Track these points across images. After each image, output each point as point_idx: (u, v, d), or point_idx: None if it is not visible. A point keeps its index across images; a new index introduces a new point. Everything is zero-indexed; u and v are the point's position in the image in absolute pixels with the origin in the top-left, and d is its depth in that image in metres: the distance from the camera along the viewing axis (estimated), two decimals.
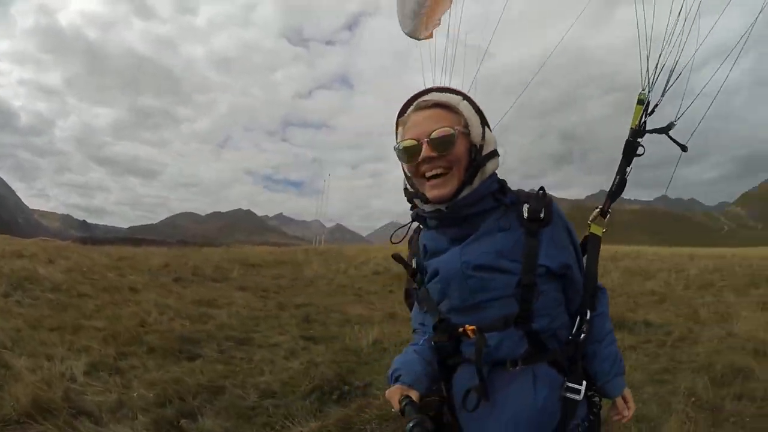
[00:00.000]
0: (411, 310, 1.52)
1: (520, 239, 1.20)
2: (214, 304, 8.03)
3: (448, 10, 2.96)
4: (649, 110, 1.63)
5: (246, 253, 21.12)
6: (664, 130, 1.62)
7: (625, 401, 1.34)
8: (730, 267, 11.91)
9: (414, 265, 1.38)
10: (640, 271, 11.52)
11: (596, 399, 1.29)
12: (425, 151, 1.20)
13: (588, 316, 1.28)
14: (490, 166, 1.24)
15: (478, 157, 1.22)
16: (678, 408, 3.49)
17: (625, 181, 1.59)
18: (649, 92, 1.65)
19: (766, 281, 9.57)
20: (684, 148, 1.66)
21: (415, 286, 1.40)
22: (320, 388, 4.09)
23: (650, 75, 1.68)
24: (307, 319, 7.24)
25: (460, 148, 1.21)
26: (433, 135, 1.19)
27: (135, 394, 3.89)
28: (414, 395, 1.16)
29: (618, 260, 14.04)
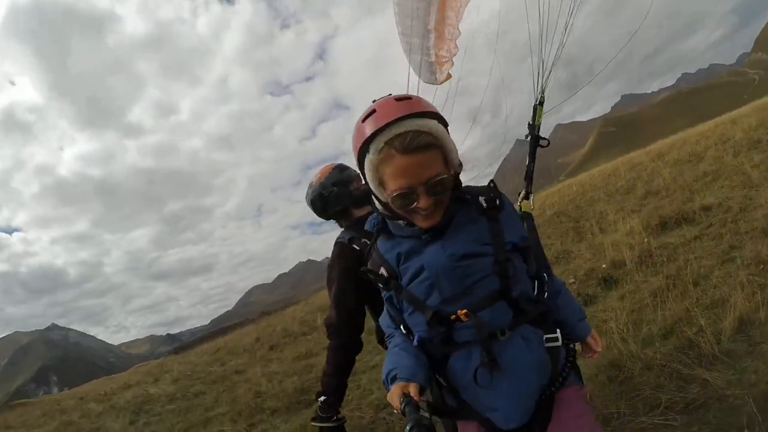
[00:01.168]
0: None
1: (485, 226, 1.37)
2: (312, 354, 8.58)
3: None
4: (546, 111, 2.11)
5: (324, 297, 21.72)
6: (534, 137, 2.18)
7: (594, 339, 1.61)
8: None
9: (386, 273, 1.41)
10: (689, 158, 11.02)
11: (570, 345, 1.47)
12: (423, 199, 1.26)
13: (546, 279, 1.50)
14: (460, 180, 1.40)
15: (457, 181, 1.37)
16: (743, 280, 3.55)
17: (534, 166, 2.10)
18: (542, 94, 2.10)
19: None
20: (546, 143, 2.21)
21: (390, 293, 1.45)
22: None
23: (542, 80, 2.11)
24: None
25: (448, 184, 1.31)
26: (430, 183, 1.25)
27: None
28: (413, 389, 1.21)
29: (664, 155, 13.46)
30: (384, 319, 1.58)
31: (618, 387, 2.94)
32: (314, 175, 2.32)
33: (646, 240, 5.72)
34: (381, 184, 1.30)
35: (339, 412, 2.11)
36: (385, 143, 1.23)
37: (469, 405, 1.38)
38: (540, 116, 2.13)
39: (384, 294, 1.48)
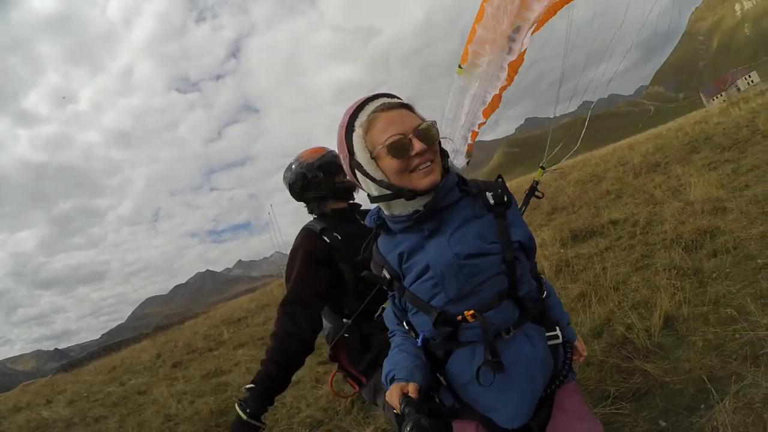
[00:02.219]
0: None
1: (492, 223, 1.33)
2: (223, 371, 7.89)
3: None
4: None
5: (227, 310, 20.62)
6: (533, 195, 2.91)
7: (580, 344, 1.61)
8: (668, 143, 12.69)
9: (387, 275, 1.39)
10: (590, 178, 12.07)
11: (567, 342, 1.48)
12: (416, 144, 1.24)
13: (544, 278, 1.53)
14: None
15: (442, 149, 1.36)
16: (663, 283, 3.89)
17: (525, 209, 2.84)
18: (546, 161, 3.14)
19: (704, 143, 10.23)
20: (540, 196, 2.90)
21: (393, 293, 1.42)
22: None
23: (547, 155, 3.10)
24: None
25: (436, 140, 1.30)
26: (418, 130, 1.25)
27: None
28: (412, 389, 1.20)
29: (567, 175, 14.60)
30: (387, 315, 1.55)
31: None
32: (300, 153, 2.15)
33: (561, 250, 6.00)
34: (373, 156, 1.28)
35: (260, 418, 1.73)
36: (368, 114, 1.29)
37: (469, 404, 1.37)
38: (540, 175, 3.07)
39: (389, 294, 1.47)
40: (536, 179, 3.00)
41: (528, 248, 1.41)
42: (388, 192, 1.29)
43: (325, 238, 1.91)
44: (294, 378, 1.85)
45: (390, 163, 1.26)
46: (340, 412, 4.19)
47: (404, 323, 1.45)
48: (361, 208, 2.17)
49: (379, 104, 1.30)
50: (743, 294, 3.25)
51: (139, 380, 10.02)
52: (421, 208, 1.30)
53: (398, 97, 1.35)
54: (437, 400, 1.44)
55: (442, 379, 1.40)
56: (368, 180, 1.30)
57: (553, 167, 3.10)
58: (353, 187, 2.11)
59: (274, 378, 1.75)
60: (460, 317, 1.28)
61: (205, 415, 5.64)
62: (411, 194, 1.27)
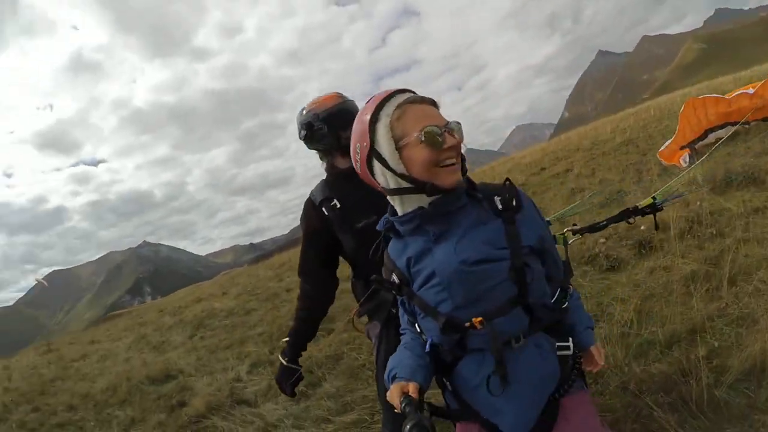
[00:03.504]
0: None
1: (501, 228, 1.28)
2: None
3: None
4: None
5: None
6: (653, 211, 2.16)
7: (598, 351, 1.48)
8: None
9: (397, 279, 1.38)
10: None
11: (578, 353, 1.40)
12: (449, 138, 1.25)
13: (571, 291, 1.43)
14: None
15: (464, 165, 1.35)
16: None
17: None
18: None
19: None
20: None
21: (403, 297, 1.42)
22: None
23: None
24: None
25: (462, 133, 1.30)
26: (449, 125, 1.27)
27: None
28: (413, 388, 1.21)
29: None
30: (401, 317, 1.55)
31: None
32: (314, 98, 2.05)
33: (699, 203, 4.93)
34: (398, 146, 1.26)
35: (297, 362, 2.15)
36: (398, 105, 1.28)
37: (473, 408, 1.36)
38: (646, 203, 2.20)
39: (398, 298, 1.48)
40: (645, 205, 2.22)
41: (541, 251, 1.34)
42: (408, 185, 1.27)
43: (324, 210, 1.92)
44: None
45: (420, 153, 1.24)
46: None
47: (416, 325, 1.44)
48: None
49: (408, 97, 1.30)
50: None
51: (293, 278, 11.66)
52: (426, 206, 1.28)
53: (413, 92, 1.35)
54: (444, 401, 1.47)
55: (447, 383, 1.40)
56: (388, 171, 1.28)
57: (671, 199, 2.45)
58: None
59: (300, 331, 2.13)
60: (468, 324, 1.25)
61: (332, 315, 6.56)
62: (432, 190, 1.26)
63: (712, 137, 7.00)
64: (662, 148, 7.82)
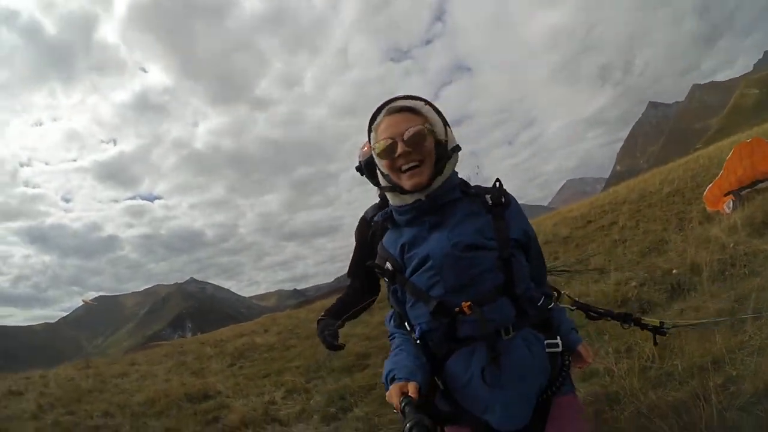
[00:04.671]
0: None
1: (490, 221, 1.41)
2: None
3: None
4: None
5: None
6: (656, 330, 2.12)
7: (585, 349, 1.55)
8: None
9: (391, 267, 1.46)
10: None
11: (567, 353, 1.47)
12: (401, 147, 1.39)
13: (556, 294, 1.57)
14: (454, 159, 1.47)
15: (445, 151, 1.44)
16: None
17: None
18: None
19: None
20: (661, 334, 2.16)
21: (396, 286, 1.48)
22: None
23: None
24: None
25: (429, 143, 1.41)
26: (406, 133, 1.39)
27: (311, 401, 5.28)
28: (412, 388, 1.20)
29: None
30: (388, 317, 1.62)
31: (598, 425, 2.61)
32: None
33: (731, 245, 4.89)
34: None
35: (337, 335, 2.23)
36: (379, 118, 1.47)
37: (465, 409, 1.39)
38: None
39: (389, 288, 1.54)
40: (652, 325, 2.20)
41: (526, 246, 1.45)
42: (389, 184, 1.47)
43: (372, 222, 2.24)
44: None
45: (380, 162, 1.46)
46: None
47: (405, 324, 1.49)
48: None
49: (389, 107, 1.47)
50: None
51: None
52: (423, 198, 1.41)
53: (419, 98, 1.47)
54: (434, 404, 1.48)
55: (439, 383, 1.42)
56: (379, 172, 1.52)
57: (680, 326, 2.38)
58: None
59: (340, 298, 2.36)
60: (457, 309, 1.32)
61: (351, 355, 6.63)
62: (402, 190, 1.43)
63: (762, 186, 6.93)
64: (705, 191, 7.81)
